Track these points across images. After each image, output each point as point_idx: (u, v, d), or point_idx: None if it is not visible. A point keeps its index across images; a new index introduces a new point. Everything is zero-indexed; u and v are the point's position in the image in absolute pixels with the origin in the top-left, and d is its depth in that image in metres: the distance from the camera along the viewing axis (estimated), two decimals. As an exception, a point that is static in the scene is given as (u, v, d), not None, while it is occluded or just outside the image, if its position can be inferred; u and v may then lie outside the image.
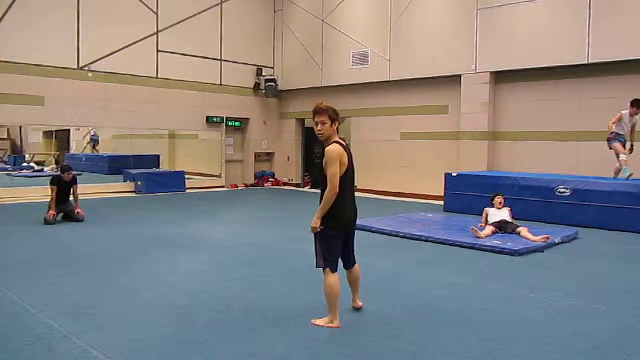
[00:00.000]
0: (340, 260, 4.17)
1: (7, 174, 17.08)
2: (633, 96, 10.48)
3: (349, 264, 4.30)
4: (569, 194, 9.45)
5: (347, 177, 3.96)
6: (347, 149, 4.00)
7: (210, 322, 4.16)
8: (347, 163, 3.92)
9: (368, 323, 4.15)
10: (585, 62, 10.79)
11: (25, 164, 19.35)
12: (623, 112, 9.21)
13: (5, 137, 22.36)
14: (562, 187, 9.55)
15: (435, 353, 3.62)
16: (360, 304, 4.42)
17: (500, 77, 12.39)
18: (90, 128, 19.85)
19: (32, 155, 20.95)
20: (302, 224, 9.13)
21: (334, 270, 4.03)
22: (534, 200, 9.77)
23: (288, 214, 10.94)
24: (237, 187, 16.57)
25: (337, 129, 4.02)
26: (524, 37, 11.63)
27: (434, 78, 13.35)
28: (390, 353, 3.62)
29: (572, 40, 10.92)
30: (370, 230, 8.32)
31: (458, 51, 12.73)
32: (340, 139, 4.05)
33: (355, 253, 4.33)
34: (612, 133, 9.27)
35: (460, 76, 12.75)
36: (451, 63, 12.86)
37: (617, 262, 6.67)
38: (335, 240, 4.03)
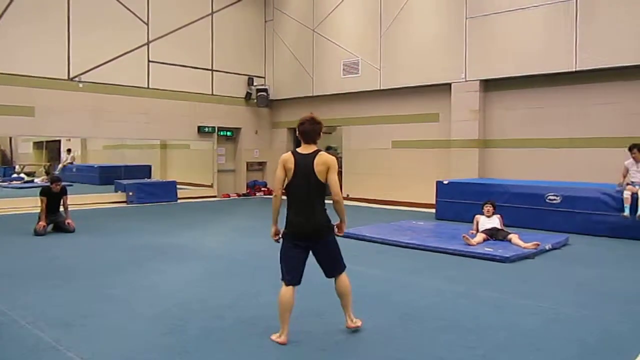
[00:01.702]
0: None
1: (-4, 185, 16.96)
2: (621, 102, 10.67)
3: (328, 273, 4.08)
4: (559, 201, 9.51)
5: (295, 184, 3.91)
6: (298, 156, 3.92)
7: (202, 332, 4.14)
8: (292, 169, 3.89)
9: (359, 331, 4.14)
10: (573, 70, 10.91)
11: (15, 175, 19.21)
12: (626, 162, 8.95)
13: (-5, 148, 22.20)
14: (552, 194, 9.62)
15: (427, 360, 3.63)
16: (352, 324, 4.10)
17: (490, 85, 12.50)
18: (69, 156, 19.91)
19: (22, 166, 20.82)
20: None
21: (287, 282, 3.90)
22: (525, 208, 9.83)
23: (280, 223, 10.90)
24: (229, 196, 16.54)
25: (301, 138, 4.03)
26: (512, 45, 11.74)
27: (424, 86, 13.43)
28: (382, 361, 3.63)
29: (559, 47, 11.03)
30: (361, 239, 8.33)
31: (447, 60, 12.83)
32: (329, 148, 4.05)
33: (336, 265, 4.05)
34: (626, 184, 8.82)
35: (450, 84, 12.84)
36: (441, 71, 12.95)
37: (607, 268, 6.72)
38: (289, 249, 3.94)
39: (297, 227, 3.92)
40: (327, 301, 4.30)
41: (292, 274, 3.92)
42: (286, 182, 3.95)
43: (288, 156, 3.95)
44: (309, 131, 3.96)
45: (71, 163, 19.33)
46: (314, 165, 3.86)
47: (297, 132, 4.05)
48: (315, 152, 3.91)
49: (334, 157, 3.95)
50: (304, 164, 3.88)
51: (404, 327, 4.33)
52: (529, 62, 11.47)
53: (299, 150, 3.97)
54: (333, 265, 4.05)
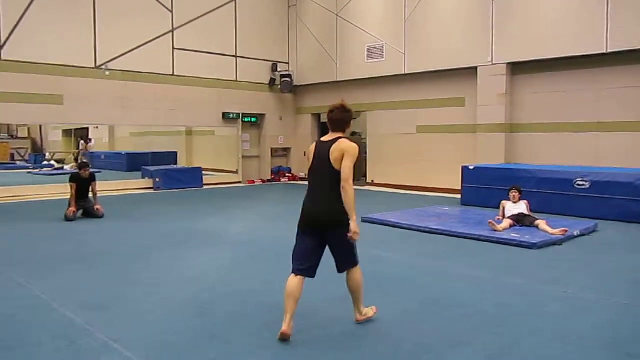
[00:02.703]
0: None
1: (28, 172, 17.41)
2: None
3: (337, 267, 3.90)
4: (587, 186, 9.33)
5: (311, 171, 3.87)
6: (319, 143, 3.86)
7: (229, 316, 4.21)
8: (310, 158, 3.87)
9: (384, 316, 4.15)
10: (604, 52, 10.63)
11: (45, 162, 19.68)
12: None
13: (26, 136, 22.77)
14: (580, 179, 9.44)
15: (452, 346, 3.62)
16: (361, 317, 3.97)
17: (517, 68, 12.25)
18: (81, 143, 20.36)
19: (52, 154, 21.30)
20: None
21: (293, 271, 3.81)
22: (553, 193, 9.66)
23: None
24: (254, 182, 16.65)
25: (329, 125, 3.89)
26: (540, 27, 11.48)
27: (449, 70, 13.25)
28: (407, 346, 3.63)
29: (590, 29, 10.74)
30: (386, 224, 8.32)
31: (474, 42, 12.61)
32: (353, 134, 3.93)
33: (344, 260, 3.85)
34: None
35: (476, 68, 12.63)
36: (467, 55, 12.74)
37: (636, 254, 6.58)
38: (298, 236, 3.88)
39: (306, 214, 3.83)
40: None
41: (298, 262, 3.82)
42: None
43: (312, 145, 3.92)
44: (337, 119, 3.83)
45: (87, 150, 19.79)
46: (329, 152, 3.71)
47: (327, 120, 3.90)
48: (335, 139, 3.76)
49: (353, 144, 3.72)
50: (321, 151, 3.78)
51: (428, 313, 4.32)
52: (558, 44, 11.20)
53: (322, 138, 3.88)
54: (341, 260, 3.86)
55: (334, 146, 3.72)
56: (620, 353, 3.54)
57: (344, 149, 3.68)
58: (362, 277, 3.94)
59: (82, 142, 20.71)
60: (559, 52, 11.25)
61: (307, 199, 3.86)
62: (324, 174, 3.75)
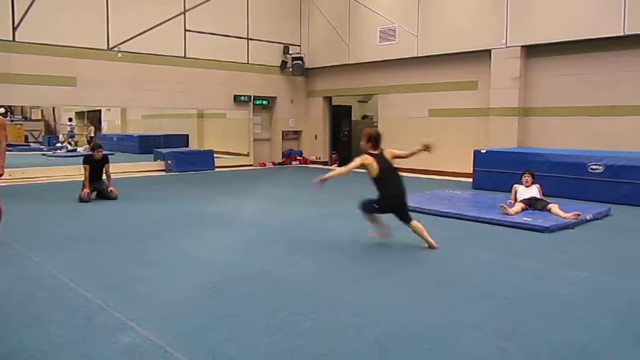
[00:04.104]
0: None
1: (42, 154, 17.57)
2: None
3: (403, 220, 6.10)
4: (601, 170, 9.26)
5: (383, 172, 5.86)
6: (374, 155, 5.88)
7: (241, 296, 4.25)
8: (374, 164, 5.82)
9: (397, 296, 4.18)
10: (621, 34, 10.46)
11: (59, 144, 19.83)
12: None
13: (40, 118, 22.94)
14: (594, 163, 9.37)
15: (463, 329, 3.64)
16: (432, 242, 5.86)
17: (532, 51, 12.11)
18: (69, 124, 20.49)
19: (65, 136, 21.42)
20: (329, 201, 9.19)
21: None
22: (566, 177, 9.60)
23: (315, 191, 10.96)
24: (265, 165, 16.69)
25: (373, 144, 5.96)
26: (556, 9, 11.31)
27: (462, 53, 13.13)
28: (418, 328, 3.66)
29: (607, 10, 10.57)
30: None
31: (487, 25, 12.46)
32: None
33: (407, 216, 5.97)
34: None
35: (489, 51, 12.50)
36: (480, 37, 12.61)
37: (650, 239, 6.55)
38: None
39: (393, 195, 5.95)
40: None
41: None
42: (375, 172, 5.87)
43: (367, 157, 5.82)
44: (380, 141, 6.00)
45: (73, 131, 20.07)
46: (388, 158, 5.94)
47: (373, 140, 5.95)
48: (382, 150, 5.97)
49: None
50: (382, 159, 5.85)
51: (440, 295, 4.34)
52: (574, 26, 11.05)
53: (372, 152, 5.90)
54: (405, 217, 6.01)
55: (386, 153, 5.96)
56: (634, 336, 3.55)
57: (392, 152, 6.05)
58: (420, 224, 5.95)
59: (71, 124, 20.80)
60: (575, 35, 11.10)
61: (392, 187, 5.94)
62: (394, 170, 5.97)
